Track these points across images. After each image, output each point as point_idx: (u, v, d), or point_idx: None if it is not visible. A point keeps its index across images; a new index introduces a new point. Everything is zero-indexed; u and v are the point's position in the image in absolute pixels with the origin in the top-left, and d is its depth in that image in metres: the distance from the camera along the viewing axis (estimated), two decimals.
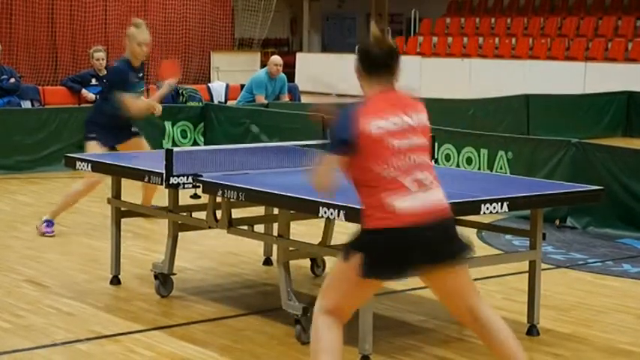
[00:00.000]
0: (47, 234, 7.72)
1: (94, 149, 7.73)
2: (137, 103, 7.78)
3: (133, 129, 8.03)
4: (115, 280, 6.31)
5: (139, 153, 7.54)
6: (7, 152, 10.89)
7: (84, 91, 13.15)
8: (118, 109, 7.67)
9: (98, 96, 8.37)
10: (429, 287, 4.16)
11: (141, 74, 7.90)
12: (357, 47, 4.08)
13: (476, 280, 5.78)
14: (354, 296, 4.03)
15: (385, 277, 3.99)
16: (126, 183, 6.29)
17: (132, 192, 6.63)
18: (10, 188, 10.00)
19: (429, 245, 3.86)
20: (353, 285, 3.95)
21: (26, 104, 12.77)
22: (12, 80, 12.52)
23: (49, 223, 7.77)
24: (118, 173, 6.15)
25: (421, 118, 3.99)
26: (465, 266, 4.01)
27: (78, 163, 6.26)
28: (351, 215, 4.48)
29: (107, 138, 7.81)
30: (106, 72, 13.05)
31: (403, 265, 3.88)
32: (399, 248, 3.84)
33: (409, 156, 3.89)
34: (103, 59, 13.03)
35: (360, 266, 3.85)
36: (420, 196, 3.86)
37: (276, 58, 13.28)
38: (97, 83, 13.08)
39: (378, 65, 3.96)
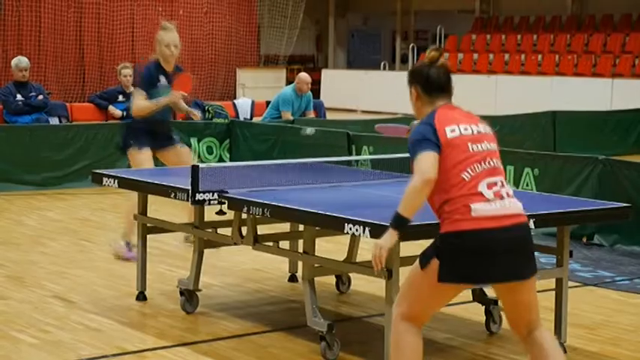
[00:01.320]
0: (130, 259, 7.39)
1: (135, 157, 7.61)
2: (141, 102, 7.53)
3: (173, 136, 7.86)
4: (141, 296, 6.33)
5: (165, 169, 7.57)
6: (35, 168, 10.97)
7: (111, 107, 13.24)
8: (153, 113, 7.54)
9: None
10: (497, 293, 4.17)
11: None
12: (411, 70, 4.21)
13: None
14: (432, 302, 4.08)
15: (463, 281, 3.99)
16: (152, 199, 6.31)
17: (157, 208, 6.66)
18: (37, 204, 10.07)
19: (507, 252, 3.91)
20: (430, 291, 4.00)
21: (54, 121, 12.87)
22: (40, 97, 12.61)
23: (128, 244, 7.54)
24: (144, 189, 6.18)
25: (487, 127, 4.14)
26: (535, 281, 4.07)
27: (105, 179, 6.29)
28: (376, 232, 4.47)
29: (142, 141, 7.61)
30: (133, 89, 13.13)
31: (480, 269, 3.91)
32: (476, 251, 3.89)
33: (487, 160, 4.01)
34: (130, 76, 13.12)
35: (439, 271, 3.91)
36: (498, 202, 3.95)
37: (305, 76, 13.29)
38: (124, 100, 13.16)
39: (438, 86, 4.14)
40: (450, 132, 3.99)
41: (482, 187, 3.94)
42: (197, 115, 7.95)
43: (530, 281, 4.03)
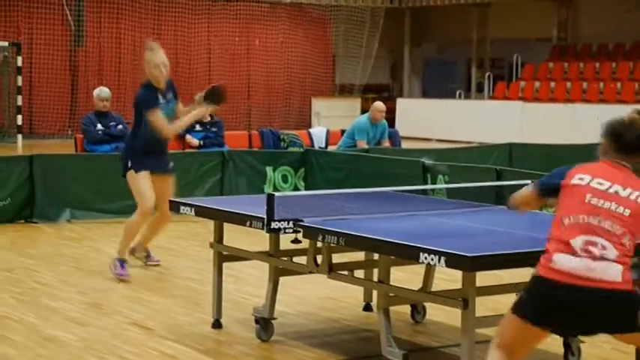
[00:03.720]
0: (121, 276, 7.73)
1: (132, 180, 7.74)
2: (170, 125, 7.64)
3: (170, 165, 7.95)
4: (217, 324, 6.37)
5: (241, 198, 7.62)
6: (114, 197, 11.12)
7: (188, 136, 13.40)
8: (150, 135, 7.64)
9: (130, 129, 8.03)
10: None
11: (170, 95, 7.76)
12: (608, 125, 4.16)
13: None
14: (515, 335, 4.07)
15: (532, 321, 4.00)
16: (228, 227, 6.36)
17: (234, 236, 6.70)
18: (115, 232, 10.20)
19: (577, 310, 3.88)
20: (514, 322, 4.04)
21: None
22: (119, 127, 12.83)
23: (122, 263, 7.81)
24: (220, 218, 6.24)
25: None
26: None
27: (182, 208, 6.37)
28: (452, 261, 4.44)
29: (143, 162, 7.71)
30: (210, 118, 13.31)
31: (548, 317, 3.94)
32: (546, 300, 3.91)
33: (599, 218, 3.91)
34: None
35: (516, 301, 4.02)
36: (585, 262, 3.87)
37: (379, 105, 13.37)
38: (200, 129, 13.33)
39: (628, 148, 4.08)
40: (578, 179, 4.01)
41: (575, 240, 3.88)
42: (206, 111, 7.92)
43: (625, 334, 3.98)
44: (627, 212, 3.93)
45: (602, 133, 4.14)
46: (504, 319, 4.12)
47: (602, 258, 3.87)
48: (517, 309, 4.00)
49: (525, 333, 4.04)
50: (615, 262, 3.88)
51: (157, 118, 7.61)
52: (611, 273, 3.88)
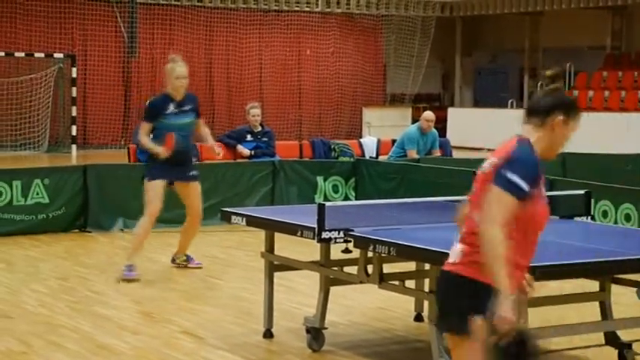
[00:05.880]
0: (129, 277, 8.10)
1: (145, 187, 8.29)
2: (144, 137, 8.20)
3: (192, 172, 8.46)
4: (268, 334, 6.39)
5: (292, 208, 7.65)
6: (168, 206, 11.18)
7: (239, 146, 13.47)
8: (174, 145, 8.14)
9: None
10: None
11: (187, 107, 8.27)
12: (562, 97, 3.80)
13: (636, 341, 5.57)
14: None
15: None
16: (279, 237, 6.38)
17: (285, 246, 6.72)
18: (169, 241, 10.29)
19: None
20: None
21: None
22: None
23: (129, 267, 8.16)
24: (272, 227, 6.26)
25: (491, 161, 3.53)
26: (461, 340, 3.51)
27: (233, 217, 6.41)
28: None
29: (162, 172, 8.24)
30: (261, 128, 13.38)
31: None
32: None
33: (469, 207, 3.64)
34: (258, 115, 13.36)
35: None
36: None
37: (428, 114, 13.37)
38: (252, 139, 13.39)
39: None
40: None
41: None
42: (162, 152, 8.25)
43: (451, 336, 3.56)
44: (475, 185, 3.55)
45: (556, 108, 3.76)
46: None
47: (457, 240, 3.58)
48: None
49: None
50: (460, 241, 3.56)
51: (142, 127, 8.31)
52: (453, 253, 3.57)
